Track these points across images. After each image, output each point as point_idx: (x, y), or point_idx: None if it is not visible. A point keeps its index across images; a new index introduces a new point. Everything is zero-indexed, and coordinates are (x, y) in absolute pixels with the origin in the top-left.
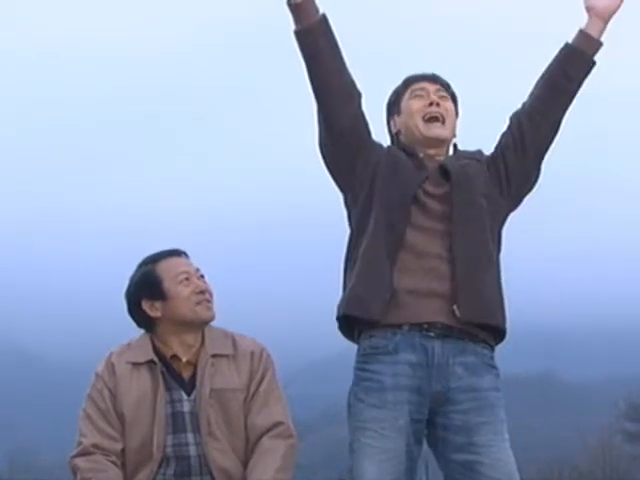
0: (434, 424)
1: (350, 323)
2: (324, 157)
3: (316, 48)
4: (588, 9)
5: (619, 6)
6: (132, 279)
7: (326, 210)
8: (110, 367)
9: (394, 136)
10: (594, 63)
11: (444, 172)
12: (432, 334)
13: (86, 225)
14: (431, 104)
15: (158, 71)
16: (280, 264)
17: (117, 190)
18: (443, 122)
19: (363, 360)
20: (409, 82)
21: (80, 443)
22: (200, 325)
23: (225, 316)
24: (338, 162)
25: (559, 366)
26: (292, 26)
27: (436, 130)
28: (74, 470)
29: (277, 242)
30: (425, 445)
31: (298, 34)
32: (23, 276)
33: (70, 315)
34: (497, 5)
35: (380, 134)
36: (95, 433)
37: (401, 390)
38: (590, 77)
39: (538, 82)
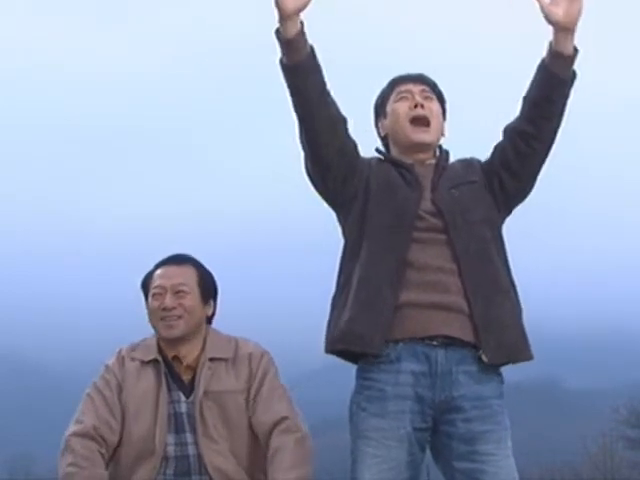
0: (438, 432)
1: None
2: (311, 182)
3: (304, 84)
4: (551, 23)
5: (580, 11)
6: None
7: (330, 215)
8: (120, 360)
9: (382, 139)
10: (574, 75)
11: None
12: (435, 342)
13: (87, 235)
14: (415, 106)
15: (162, 85)
16: (282, 269)
17: (117, 201)
18: (428, 124)
19: (365, 369)
20: (394, 83)
21: (81, 422)
22: (166, 340)
23: (226, 321)
24: (326, 189)
25: (561, 373)
26: (279, 55)
27: (421, 135)
28: (67, 447)
29: (279, 247)
30: (427, 451)
31: (286, 68)
32: (23, 285)
33: (69, 324)
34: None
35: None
36: (95, 417)
37: (403, 399)
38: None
39: (525, 104)
